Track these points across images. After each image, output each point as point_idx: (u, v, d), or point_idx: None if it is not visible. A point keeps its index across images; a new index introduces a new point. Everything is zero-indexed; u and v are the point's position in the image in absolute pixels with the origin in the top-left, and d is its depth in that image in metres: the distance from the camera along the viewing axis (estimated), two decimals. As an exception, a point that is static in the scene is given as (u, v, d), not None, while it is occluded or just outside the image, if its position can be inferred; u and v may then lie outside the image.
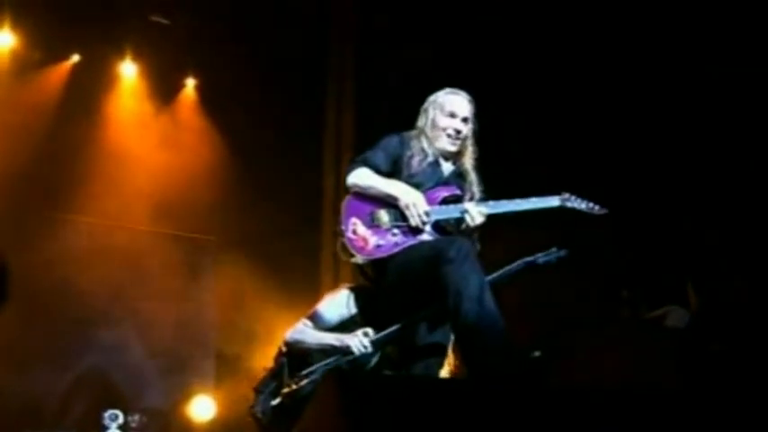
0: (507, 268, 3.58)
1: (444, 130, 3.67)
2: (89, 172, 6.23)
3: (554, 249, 3.64)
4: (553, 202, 3.67)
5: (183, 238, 6.50)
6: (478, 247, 3.67)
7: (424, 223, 3.48)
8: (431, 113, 3.72)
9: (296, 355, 3.63)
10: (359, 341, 3.48)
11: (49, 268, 5.64)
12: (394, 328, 3.52)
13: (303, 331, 3.64)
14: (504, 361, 2.99)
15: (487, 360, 3.03)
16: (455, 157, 3.76)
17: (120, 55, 6.83)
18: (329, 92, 7.13)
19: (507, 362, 2.98)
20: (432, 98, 3.77)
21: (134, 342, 5.87)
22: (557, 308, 5.56)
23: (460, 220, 3.57)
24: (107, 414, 5.52)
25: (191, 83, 7.19)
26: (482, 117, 3.79)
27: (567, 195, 3.70)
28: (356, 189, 3.60)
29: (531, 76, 5.95)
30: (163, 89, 6.96)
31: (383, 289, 3.56)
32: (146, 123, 6.76)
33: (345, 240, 3.47)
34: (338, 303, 3.71)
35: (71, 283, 5.70)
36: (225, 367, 6.02)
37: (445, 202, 3.61)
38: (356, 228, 3.50)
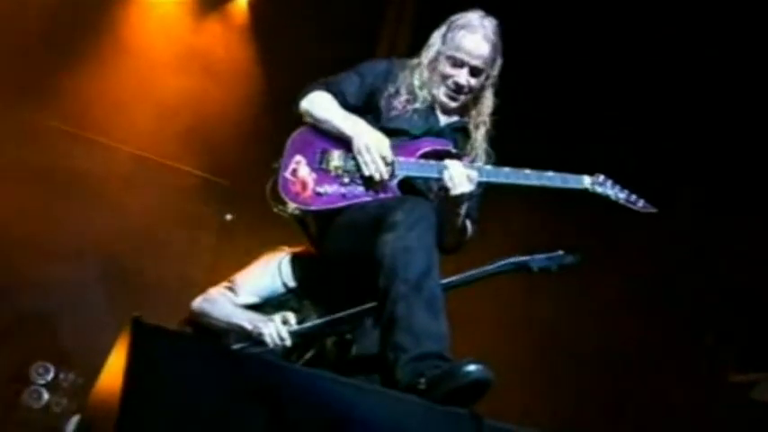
0: (484, 268, 3.30)
1: (444, 79, 3.39)
2: (97, 81, 6.27)
3: (560, 252, 3.31)
4: (579, 182, 3.34)
5: (187, 175, 6.48)
6: (471, 229, 3.38)
7: (383, 175, 3.19)
8: (435, 48, 3.45)
9: (202, 329, 3.46)
10: (274, 329, 3.26)
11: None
12: (324, 319, 3.31)
13: (214, 300, 3.48)
14: (420, 374, 2.65)
15: (404, 368, 2.72)
16: (459, 110, 3.48)
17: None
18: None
19: (427, 378, 2.64)
20: (445, 24, 3.48)
21: (96, 287, 5.87)
22: (613, 349, 5.23)
23: (440, 182, 3.26)
24: (35, 366, 5.57)
25: (243, -3, 7.16)
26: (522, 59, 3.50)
27: (601, 178, 3.37)
28: (309, 119, 3.39)
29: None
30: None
31: (323, 257, 3.35)
32: (172, 31, 6.76)
33: (278, 181, 3.25)
34: (271, 269, 3.53)
35: (37, 201, 5.76)
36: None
37: (426, 157, 3.31)
38: (298, 167, 3.29)
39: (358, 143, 3.24)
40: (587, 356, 5.25)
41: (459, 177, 3.19)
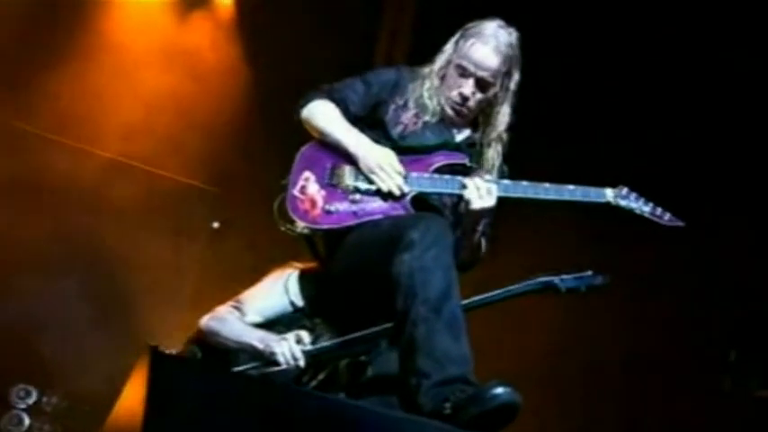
0: (509, 288, 3.34)
1: (449, 89, 3.41)
2: (75, 84, 6.26)
3: (589, 273, 3.36)
4: (602, 195, 3.36)
5: (173, 182, 6.48)
6: (484, 246, 3.42)
7: (402, 189, 3.24)
8: (446, 55, 3.46)
9: (211, 348, 3.49)
10: (288, 349, 3.27)
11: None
12: (340, 339, 3.33)
13: (224, 319, 3.50)
14: (445, 399, 2.69)
15: (427, 393, 2.76)
16: (471, 124, 3.50)
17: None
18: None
19: (452, 402, 2.68)
20: (459, 32, 3.48)
21: (78, 302, 5.87)
22: (634, 366, 5.29)
23: (457, 199, 3.31)
24: (15, 389, 5.54)
25: (230, -10, 7.17)
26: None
27: (624, 190, 3.40)
28: (309, 128, 3.43)
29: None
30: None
31: (335, 276, 3.37)
32: (154, 29, 6.75)
33: (287, 199, 3.28)
34: (279, 288, 3.56)
35: (13, 211, 5.76)
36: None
37: (440, 171, 3.35)
38: (307, 184, 3.32)
39: (368, 163, 3.27)
40: (605, 372, 5.32)
41: (481, 192, 3.22)
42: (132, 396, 2.37)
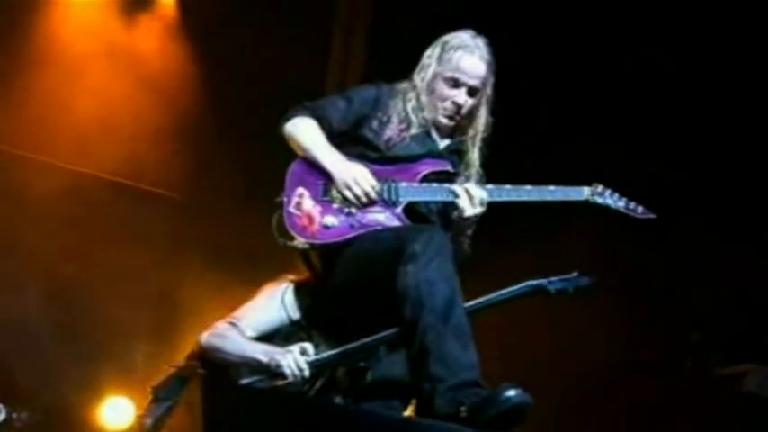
0: (501, 292, 3.56)
1: (442, 100, 3.66)
2: (17, 94, 6.30)
3: (575, 274, 3.61)
4: (579, 193, 3.66)
5: (131, 189, 6.58)
6: (468, 249, 3.67)
7: (370, 202, 3.48)
8: (431, 69, 3.71)
9: (213, 364, 3.64)
10: (293, 360, 3.43)
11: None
12: (342, 348, 3.50)
13: (224, 335, 3.64)
14: (460, 402, 2.94)
15: (442, 398, 3.00)
16: (454, 129, 3.76)
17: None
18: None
19: (468, 405, 2.93)
20: (438, 46, 3.74)
21: (41, 317, 5.96)
22: (601, 351, 5.56)
23: (448, 207, 3.57)
24: (-17, 409, 5.61)
25: (170, -9, 7.24)
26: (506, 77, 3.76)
27: (599, 188, 3.70)
28: (291, 144, 3.63)
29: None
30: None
31: (333, 288, 3.57)
32: (100, 34, 6.79)
33: (284, 216, 3.47)
34: (275, 301, 3.72)
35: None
36: (157, 365, 6.06)
37: (427, 179, 3.60)
38: (302, 201, 3.52)
39: (341, 180, 3.49)
40: (569, 357, 5.59)
41: (474, 201, 3.48)
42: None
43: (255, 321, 3.67)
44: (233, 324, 3.67)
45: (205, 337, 3.67)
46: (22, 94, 6.30)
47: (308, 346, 3.48)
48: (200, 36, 6.98)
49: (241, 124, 6.64)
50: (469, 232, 3.60)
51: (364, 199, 3.48)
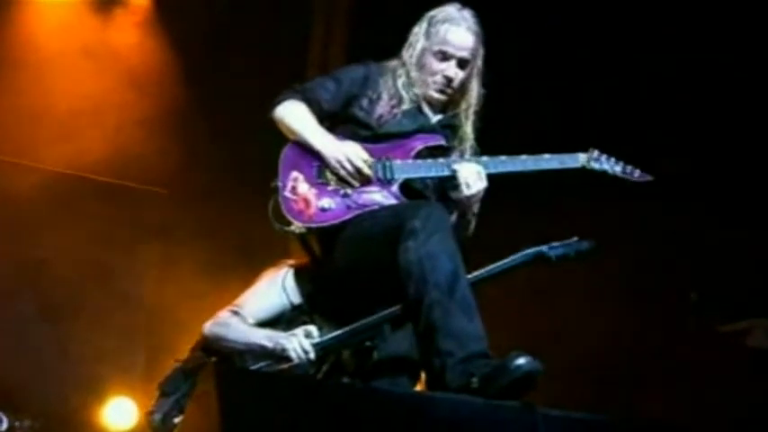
0: (504, 262, 3.60)
1: (432, 74, 3.69)
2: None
3: (575, 239, 3.65)
4: (575, 160, 3.70)
5: (119, 188, 6.61)
6: (472, 226, 3.69)
7: (366, 181, 3.52)
8: (419, 45, 3.74)
9: (218, 353, 3.69)
10: (298, 344, 3.48)
11: None
12: (347, 329, 3.55)
13: (227, 324, 3.68)
14: (471, 374, 2.98)
15: (453, 371, 3.04)
16: (446, 103, 3.79)
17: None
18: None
19: (478, 377, 2.97)
20: (424, 21, 3.78)
21: (36, 323, 5.97)
22: (602, 317, 5.62)
23: (447, 182, 3.60)
24: (-15, 419, 5.63)
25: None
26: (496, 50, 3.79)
27: (595, 153, 3.73)
28: (281, 128, 3.67)
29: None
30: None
31: (333, 271, 3.60)
32: (79, 32, 6.79)
33: (280, 201, 3.50)
34: (276, 287, 3.76)
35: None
36: (157, 363, 6.10)
37: (421, 155, 3.63)
38: (297, 185, 3.55)
39: (332, 161, 3.53)
40: (572, 326, 5.68)
41: (473, 176, 3.51)
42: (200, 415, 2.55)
43: (257, 308, 3.71)
44: (235, 312, 3.71)
45: (208, 326, 3.71)
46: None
47: (312, 328, 3.53)
48: (176, 26, 6.96)
49: (227, 113, 6.68)
50: (476, 209, 3.62)
51: (358, 176, 3.52)
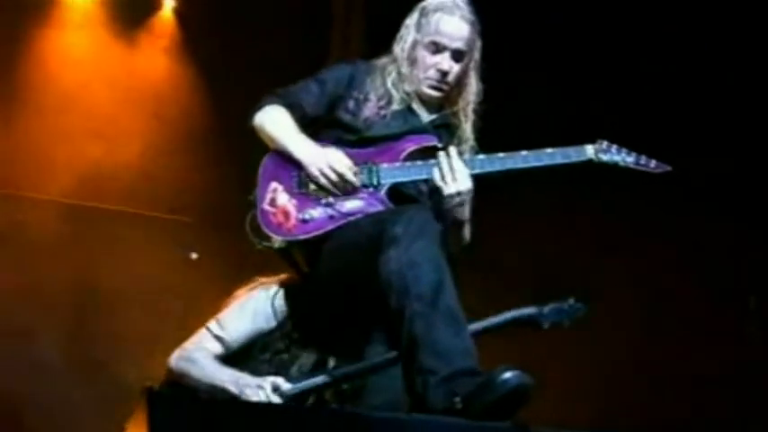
0: (489, 320, 3.35)
1: (425, 69, 3.47)
2: (13, 131, 6.31)
3: (571, 301, 3.39)
4: (582, 153, 3.43)
5: (137, 217, 6.53)
6: (466, 234, 3.44)
7: (355, 185, 3.30)
8: (410, 38, 3.53)
9: (184, 389, 3.50)
10: (264, 397, 3.28)
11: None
12: (321, 378, 3.32)
13: (192, 359, 3.49)
14: (454, 393, 2.75)
15: (435, 391, 2.81)
16: (442, 102, 3.57)
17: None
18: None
19: (462, 396, 2.73)
20: (416, 12, 3.56)
21: (58, 361, 5.91)
22: (657, 318, 5.50)
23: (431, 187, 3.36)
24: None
25: (168, 4, 7.21)
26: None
27: (604, 144, 3.46)
28: (261, 136, 3.49)
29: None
30: (128, 12, 6.98)
31: (317, 285, 3.41)
32: (101, 60, 6.81)
33: (257, 214, 3.33)
34: (248, 311, 3.54)
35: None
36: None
37: (412, 157, 3.40)
38: (276, 196, 3.36)
39: (311, 170, 3.32)
40: (630, 325, 5.55)
41: (450, 174, 3.27)
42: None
43: (227, 335, 3.51)
44: (216, 337, 3.51)
45: (175, 359, 3.52)
46: (18, 132, 6.32)
47: (281, 381, 3.31)
48: (202, 51, 6.94)
49: (254, 139, 6.57)
50: (463, 214, 3.35)
51: (342, 184, 3.30)
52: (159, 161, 6.61)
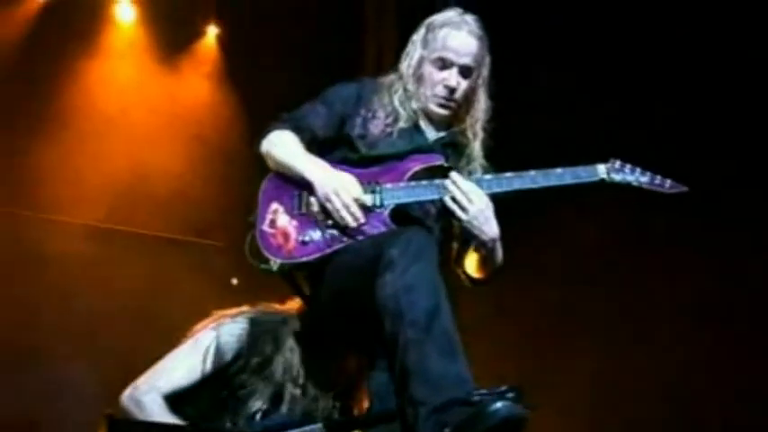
0: None
1: (432, 85, 3.40)
2: (55, 155, 6.37)
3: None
4: (594, 173, 3.33)
5: (173, 242, 6.56)
6: (498, 255, 3.34)
7: (359, 220, 3.22)
8: (417, 54, 3.47)
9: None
10: None
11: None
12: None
13: (140, 403, 3.44)
14: (444, 425, 2.66)
15: (425, 422, 2.72)
16: (450, 120, 3.50)
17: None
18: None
19: (452, 427, 2.65)
20: (422, 28, 3.52)
21: (89, 387, 5.90)
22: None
23: (443, 206, 3.28)
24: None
25: (212, 32, 7.26)
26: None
27: (617, 163, 3.35)
28: (270, 163, 3.44)
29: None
30: (172, 39, 7.06)
31: (316, 308, 3.37)
32: (144, 86, 6.87)
33: (257, 236, 3.27)
34: (198, 348, 3.50)
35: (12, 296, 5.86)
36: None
37: (417, 177, 3.32)
38: (276, 217, 3.31)
39: (322, 191, 3.24)
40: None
41: (464, 197, 3.19)
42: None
43: (176, 375, 3.48)
44: (160, 372, 3.50)
45: (125, 397, 3.48)
46: (59, 156, 6.38)
47: None
48: (244, 77, 7.00)
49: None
50: (491, 233, 3.24)
51: (344, 213, 3.20)
52: (197, 185, 6.65)
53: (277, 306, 3.67)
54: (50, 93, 6.53)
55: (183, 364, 3.48)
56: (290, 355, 3.47)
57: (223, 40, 7.22)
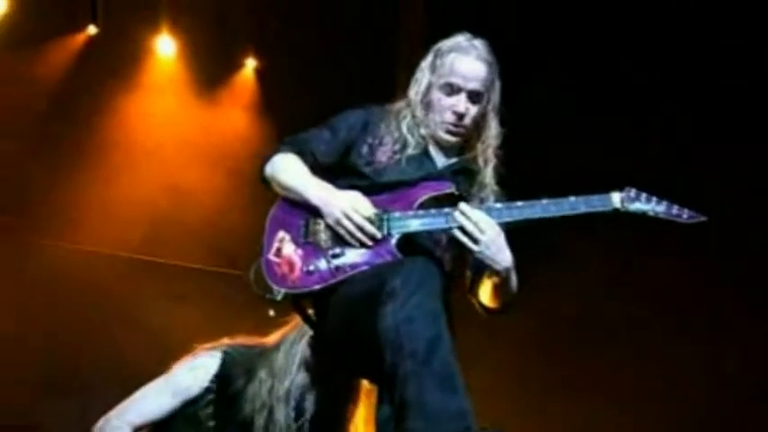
0: None
1: (441, 111, 3.35)
2: (91, 187, 6.42)
3: None
4: (608, 202, 3.22)
5: (208, 274, 6.64)
6: (515, 284, 3.26)
7: (375, 237, 3.15)
8: (425, 80, 3.42)
9: None
10: None
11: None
12: None
13: None
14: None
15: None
16: (460, 147, 3.44)
17: (155, 27, 7.04)
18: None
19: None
20: (431, 54, 3.46)
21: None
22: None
23: (452, 236, 3.19)
24: None
25: (250, 64, 7.31)
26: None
27: (632, 192, 3.24)
28: (274, 186, 3.40)
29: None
30: (210, 71, 7.12)
31: (322, 338, 3.33)
32: (181, 118, 6.93)
33: (262, 264, 3.23)
34: (171, 383, 3.55)
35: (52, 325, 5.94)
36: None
37: (426, 205, 3.25)
38: (282, 246, 3.26)
39: (331, 213, 3.20)
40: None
41: (476, 228, 3.10)
42: None
43: (148, 409, 3.51)
44: (132, 405, 3.54)
45: (97, 429, 3.54)
46: (95, 188, 6.45)
47: None
48: (281, 109, 7.02)
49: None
50: (506, 260, 3.15)
51: (359, 234, 3.17)
52: (230, 217, 6.68)
53: (257, 339, 3.68)
54: (90, 127, 6.70)
55: (155, 397, 3.52)
56: (258, 386, 3.46)
57: (261, 73, 7.29)
